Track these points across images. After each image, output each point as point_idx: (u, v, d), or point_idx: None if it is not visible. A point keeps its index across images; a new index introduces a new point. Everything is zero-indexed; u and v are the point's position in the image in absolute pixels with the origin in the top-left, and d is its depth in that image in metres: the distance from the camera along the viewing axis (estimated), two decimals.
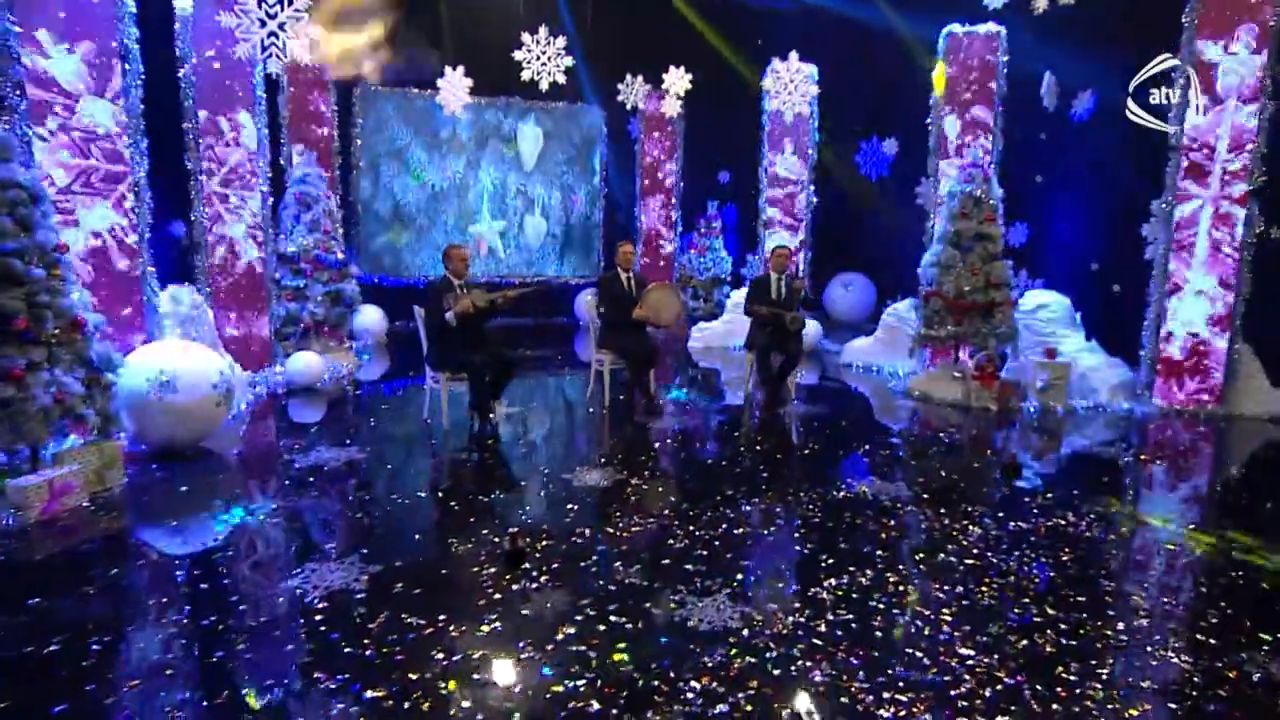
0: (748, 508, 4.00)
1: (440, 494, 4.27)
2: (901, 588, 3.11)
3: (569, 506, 4.05)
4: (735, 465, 4.80)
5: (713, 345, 9.73)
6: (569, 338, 10.70)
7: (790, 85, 8.01)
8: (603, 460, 4.81)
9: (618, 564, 3.32)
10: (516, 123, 11.88)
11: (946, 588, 3.11)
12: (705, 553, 3.45)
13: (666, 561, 3.36)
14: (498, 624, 2.82)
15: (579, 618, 2.87)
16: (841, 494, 4.24)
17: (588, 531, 3.69)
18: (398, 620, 2.83)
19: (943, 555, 3.43)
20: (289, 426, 5.76)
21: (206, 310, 5.82)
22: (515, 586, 3.12)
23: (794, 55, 7.96)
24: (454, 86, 6.67)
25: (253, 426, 5.64)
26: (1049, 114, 8.27)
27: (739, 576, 3.21)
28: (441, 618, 2.86)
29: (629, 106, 8.96)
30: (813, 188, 9.43)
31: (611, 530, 3.70)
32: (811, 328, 9.42)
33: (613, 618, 2.87)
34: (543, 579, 3.18)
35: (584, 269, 12.61)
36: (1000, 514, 3.96)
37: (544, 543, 3.54)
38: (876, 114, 11.11)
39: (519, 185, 12.10)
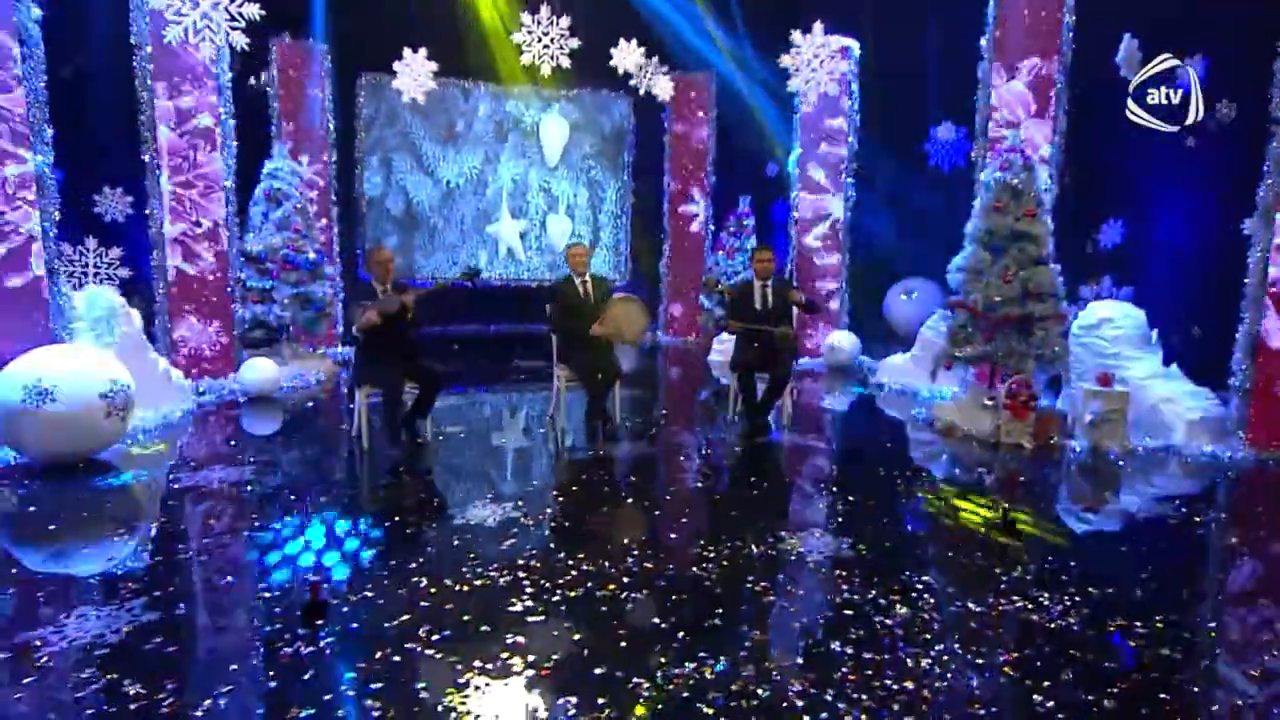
0: (629, 563, 3.50)
1: (299, 527, 3.98)
2: (752, 688, 2.54)
3: (428, 550, 3.67)
4: (659, 508, 4.29)
5: None
6: None
7: (815, 61, 7.39)
8: (499, 496, 4.39)
9: (423, 629, 2.90)
10: (539, 114, 11.69)
11: (812, 691, 2.53)
12: (541, 619, 2.99)
13: (486, 628, 2.92)
14: (225, 699, 2.46)
15: (327, 696, 2.48)
16: (762, 549, 3.66)
17: (423, 583, 3.29)
18: (115, 688, 2.52)
19: (837, 643, 2.82)
20: (207, 440, 5.64)
21: (131, 313, 5.79)
22: (287, 650, 2.76)
23: (819, 26, 7.35)
24: (414, 70, 6.46)
25: (167, 439, 5.54)
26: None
27: (555, 656, 2.73)
28: (169, 686, 2.53)
29: (642, 92, 8.54)
30: (851, 180, 8.73)
31: (450, 583, 3.29)
32: (846, 340, 8.71)
33: (368, 700, 2.46)
34: (324, 643, 2.81)
35: (615, 273, 12.27)
36: (950, 589, 3.29)
37: (362, 594, 3.17)
38: (945, 96, 10.25)
39: (542, 182, 11.89)
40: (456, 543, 3.76)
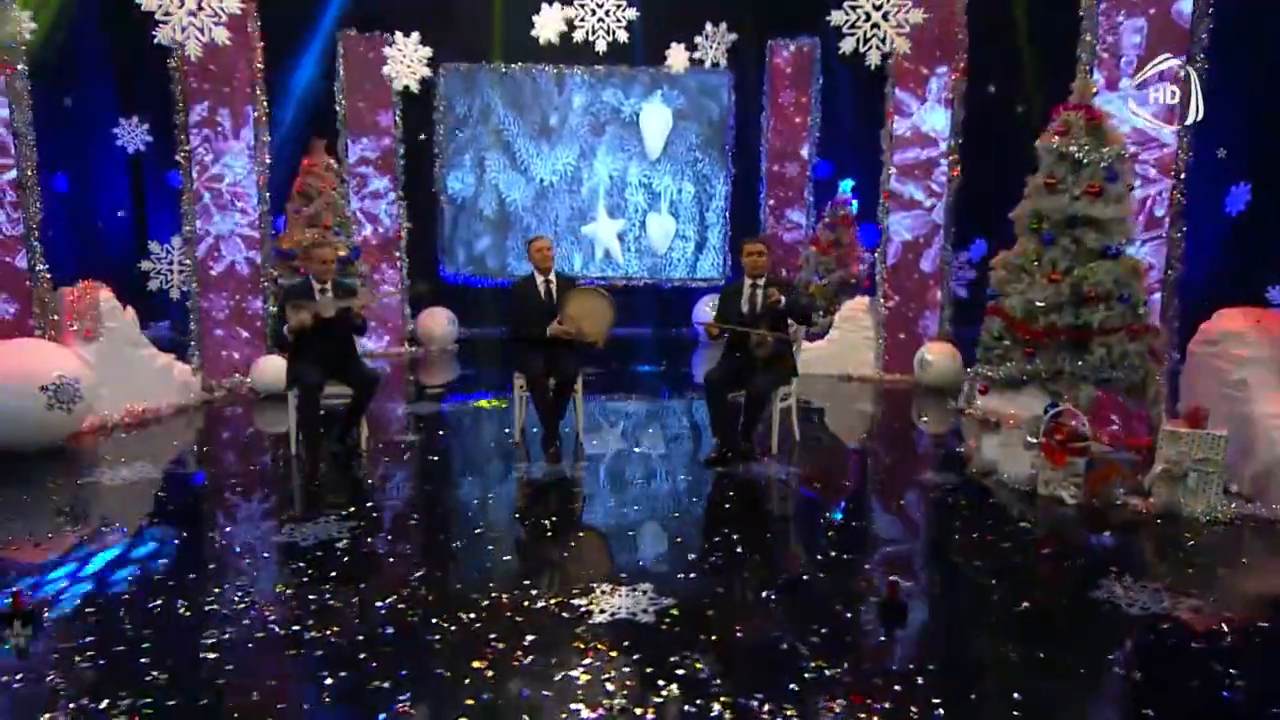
0: (380, 606, 3.22)
1: (130, 535, 4.10)
2: None
3: (208, 567, 3.65)
4: (502, 545, 3.94)
5: (816, 372, 8.42)
6: (682, 352, 10.15)
7: (876, 15, 6.60)
8: (350, 515, 4.25)
9: (86, 654, 2.84)
10: (640, 102, 11.54)
11: None
12: (230, 665, 2.81)
13: (145, 660, 2.79)
14: None
15: None
16: (554, 602, 3.22)
17: (157, 604, 3.24)
18: None
19: None
20: (162, 438, 6.00)
21: (123, 309, 6.37)
22: None
23: None
24: (406, 56, 6.57)
25: (135, 434, 6.00)
26: None
27: (170, 702, 2.54)
28: None
29: (709, 64, 8.13)
30: (956, 142, 7.69)
31: (181, 605, 3.21)
32: (942, 353, 7.63)
33: None
34: None
35: (717, 274, 11.82)
36: (736, 679, 2.67)
37: (87, 609, 3.19)
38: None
39: (642, 177, 11.72)
40: (247, 561, 3.69)
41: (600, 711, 2.50)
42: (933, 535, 4.20)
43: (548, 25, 6.25)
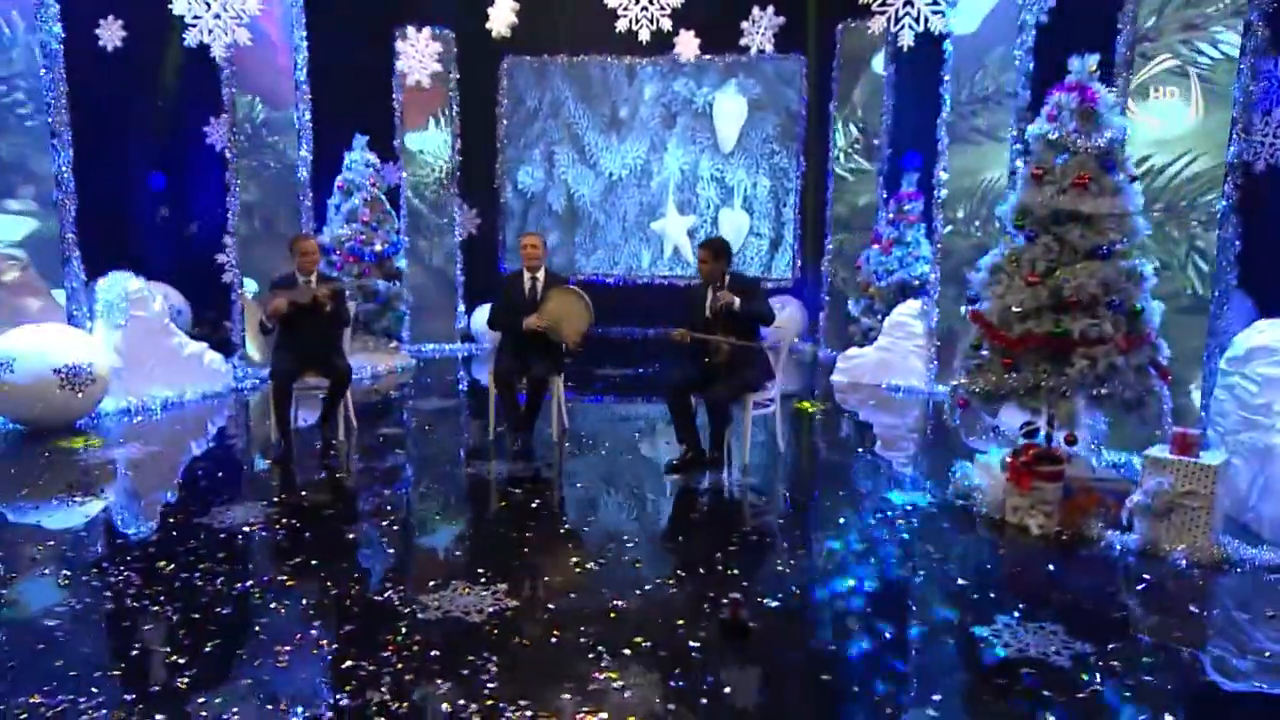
0: (211, 580, 3.47)
1: (71, 508, 4.55)
2: None
3: (116, 542, 4.02)
4: (403, 540, 4.13)
5: (862, 382, 8.18)
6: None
7: None
8: (273, 503, 4.55)
9: None
10: (713, 91, 11.50)
11: None
12: (67, 627, 3.14)
13: None
14: None
15: None
16: (396, 594, 3.36)
17: (43, 571, 3.63)
18: None
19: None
20: (172, 422, 6.56)
21: (151, 298, 7.03)
22: None
23: None
24: (418, 51, 6.90)
25: (155, 418, 6.62)
26: None
27: None
28: None
29: (754, 50, 8.08)
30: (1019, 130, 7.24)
31: (65, 578, 3.58)
32: None
33: None
34: None
35: (793, 272, 11.59)
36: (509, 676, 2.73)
37: None
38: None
39: (714, 171, 11.67)
40: (155, 538, 4.04)
41: (358, 702, 2.62)
42: (845, 559, 4.02)
43: (499, 18, 6.40)
